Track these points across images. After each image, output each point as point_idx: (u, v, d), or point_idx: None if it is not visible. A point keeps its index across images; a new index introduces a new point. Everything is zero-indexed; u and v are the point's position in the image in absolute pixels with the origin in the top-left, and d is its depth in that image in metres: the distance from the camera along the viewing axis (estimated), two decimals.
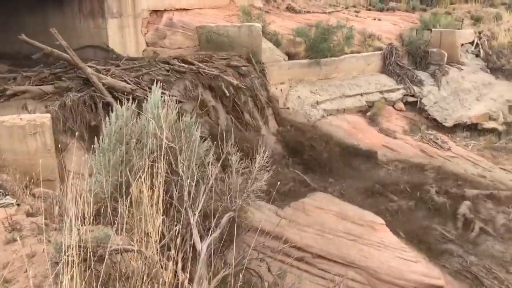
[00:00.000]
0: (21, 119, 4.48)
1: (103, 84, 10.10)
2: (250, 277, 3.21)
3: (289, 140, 13.09)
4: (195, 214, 2.66)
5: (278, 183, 10.04)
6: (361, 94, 16.75)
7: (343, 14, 20.43)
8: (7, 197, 3.61)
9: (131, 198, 2.49)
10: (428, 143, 15.34)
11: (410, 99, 17.30)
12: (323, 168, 11.96)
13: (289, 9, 19.43)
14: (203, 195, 2.75)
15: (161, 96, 3.25)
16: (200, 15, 16.17)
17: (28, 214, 3.63)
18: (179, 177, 2.87)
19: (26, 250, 2.94)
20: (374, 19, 20.65)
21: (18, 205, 3.62)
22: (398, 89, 17.37)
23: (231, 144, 3.22)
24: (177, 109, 3.22)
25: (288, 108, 14.87)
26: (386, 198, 10.80)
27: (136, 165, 2.70)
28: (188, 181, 2.75)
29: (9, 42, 14.76)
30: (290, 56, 16.00)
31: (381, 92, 17.04)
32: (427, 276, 7.12)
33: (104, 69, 11.32)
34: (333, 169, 12.06)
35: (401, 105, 17.11)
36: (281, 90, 15.35)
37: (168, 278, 2.26)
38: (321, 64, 16.24)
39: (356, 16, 20.67)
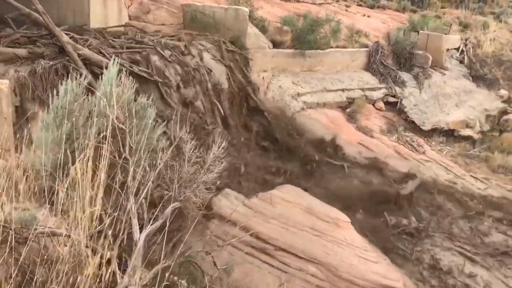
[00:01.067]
0: None
1: (79, 55, 9.77)
2: (193, 270, 3.06)
3: (266, 129, 12.96)
4: (137, 201, 2.49)
5: (242, 169, 10.05)
6: (343, 90, 16.68)
7: (333, 7, 20.27)
8: None
9: (71, 178, 2.32)
10: (403, 145, 15.41)
11: (391, 99, 17.30)
12: (296, 160, 11.86)
13: None
14: (148, 182, 2.58)
15: (118, 74, 3.05)
16: None
17: None
18: (126, 161, 2.70)
19: None
20: (364, 15, 20.54)
21: None
22: (380, 88, 17.35)
23: (186, 130, 3.05)
24: (134, 88, 3.02)
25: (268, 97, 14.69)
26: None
27: (82, 144, 2.52)
28: (133, 167, 2.58)
29: None
30: (276, 45, 15.78)
31: (362, 89, 16.99)
32: (386, 277, 7.12)
33: (82, 39, 10.97)
34: (306, 163, 11.99)
35: (381, 104, 17.11)
36: (263, 78, 15.13)
37: (95, 265, 2.11)
38: (306, 56, 16.07)
39: (346, 10, 20.52)
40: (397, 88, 17.35)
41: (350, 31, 18.32)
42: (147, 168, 2.70)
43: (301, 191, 8.96)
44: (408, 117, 16.86)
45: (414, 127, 16.72)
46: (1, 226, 2.07)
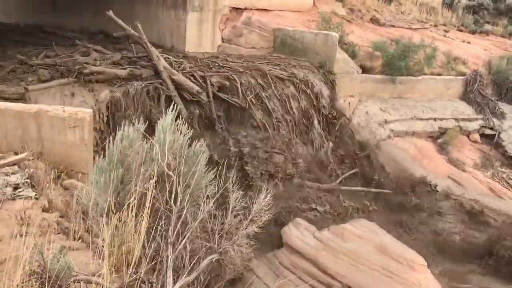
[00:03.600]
0: (64, 111, 4.66)
1: (173, 80, 10.32)
2: None
3: (348, 157, 12.72)
4: (174, 251, 2.59)
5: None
6: (435, 119, 15.92)
7: (430, 32, 19.45)
8: (28, 189, 3.77)
9: (115, 225, 2.47)
10: (499, 182, 14.31)
11: (488, 131, 16.18)
12: (379, 193, 11.49)
13: (373, 20, 18.80)
14: (187, 233, 2.68)
15: (176, 119, 3.20)
16: (279, 17, 16.09)
17: (44, 210, 3.75)
18: (171, 209, 2.82)
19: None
20: (463, 42, 19.47)
21: (36, 198, 3.76)
22: (476, 119, 16.31)
23: (232, 180, 3.11)
24: (189, 134, 3.16)
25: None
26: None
27: (131, 190, 2.69)
28: (174, 217, 2.69)
29: (96, 23, 15.59)
30: (365, 70, 15.51)
31: (456, 119, 16.09)
32: None
33: (177, 62, 11.55)
34: (389, 197, 11.55)
35: (476, 136, 16.06)
36: (349, 103, 14.95)
37: None
38: (396, 82, 15.61)
39: (444, 36, 19.59)
40: (495, 120, 16.19)
41: (446, 58, 17.46)
42: (189, 218, 2.80)
43: (376, 226, 8.66)
44: (507, 151, 15.63)
45: None
46: (40, 274, 2.27)
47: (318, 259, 7.47)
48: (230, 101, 10.99)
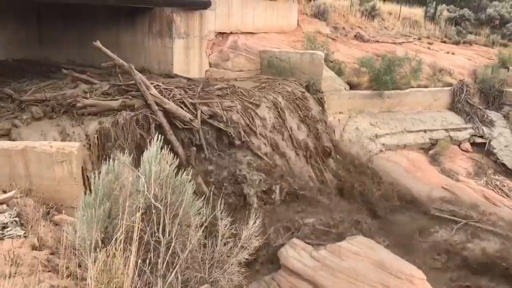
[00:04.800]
0: (51, 146, 4.65)
1: (165, 109, 10.30)
2: None
3: (340, 174, 12.73)
4: (165, 284, 2.56)
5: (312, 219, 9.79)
6: (425, 131, 16.05)
7: (415, 46, 19.74)
8: (17, 228, 3.73)
9: (103, 261, 2.45)
10: (493, 189, 14.35)
11: (478, 140, 16.32)
12: (371, 208, 11.47)
13: (358, 37, 19.06)
14: (176, 265, 2.66)
15: (160, 150, 3.21)
16: (265, 39, 16.28)
17: (34, 248, 3.71)
18: (159, 241, 2.79)
19: None
20: (448, 53, 19.77)
21: (25, 236, 3.72)
22: (466, 128, 16.46)
23: (220, 207, 3.09)
24: (175, 163, 3.15)
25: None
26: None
27: (119, 223, 2.67)
28: (164, 248, 2.67)
29: (81, 55, 15.67)
30: (352, 86, 15.68)
31: (446, 130, 16.23)
32: None
33: (167, 90, 11.45)
34: (384, 212, 11.53)
35: (467, 145, 16.18)
36: (338, 120, 15.04)
37: None
38: (384, 96, 15.77)
39: (429, 48, 19.89)
40: (484, 128, 16.34)
41: (432, 70, 17.70)
42: (177, 250, 2.77)
43: (373, 242, 8.63)
44: (498, 159, 15.75)
45: (505, 170, 15.54)
46: None
47: (317, 279, 7.41)
48: (221, 127, 10.99)
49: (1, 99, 10.18)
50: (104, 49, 11.15)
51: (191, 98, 11.29)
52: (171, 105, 10.47)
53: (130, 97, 10.75)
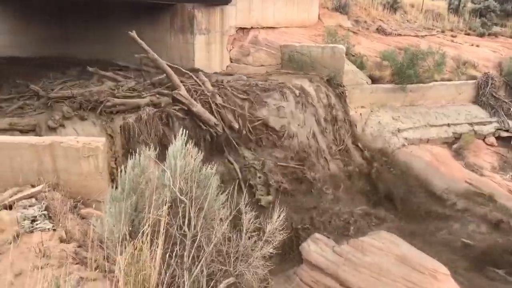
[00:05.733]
0: (77, 141, 4.75)
1: (192, 112, 10.32)
2: None
3: (363, 168, 12.67)
4: (190, 277, 2.61)
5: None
6: (448, 125, 15.81)
7: (438, 38, 19.42)
8: (46, 221, 3.83)
9: (130, 253, 2.51)
10: None
11: (504, 134, 16.01)
12: (395, 203, 11.38)
13: (379, 30, 18.84)
14: (202, 258, 2.70)
15: (186, 143, 3.26)
16: (285, 34, 16.23)
17: (62, 240, 3.81)
18: (185, 234, 2.84)
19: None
20: (472, 45, 19.39)
21: (54, 230, 3.82)
22: (491, 122, 16.15)
23: (244, 200, 3.12)
24: (199, 157, 3.20)
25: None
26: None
27: (145, 217, 2.73)
28: (188, 242, 2.72)
29: (105, 52, 15.87)
30: (374, 80, 15.52)
31: (470, 124, 15.95)
32: None
33: (196, 92, 11.25)
34: (407, 207, 11.42)
35: (492, 139, 15.88)
36: (360, 114, 14.94)
37: None
38: (406, 90, 15.58)
39: (452, 41, 19.53)
40: (510, 122, 16.02)
41: (456, 63, 17.39)
42: (203, 243, 2.82)
43: (396, 237, 8.56)
44: None
45: None
46: None
47: (339, 274, 7.41)
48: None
49: (29, 96, 10.41)
50: (138, 40, 11.26)
51: (214, 100, 11.09)
52: (198, 108, 10.41)
53: (158, 95, 10.77)
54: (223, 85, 11.92)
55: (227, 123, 10.83)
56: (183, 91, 10.61)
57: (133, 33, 11.10)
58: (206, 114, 10.47)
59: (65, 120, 8.92)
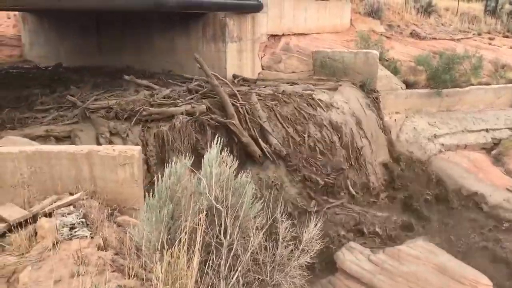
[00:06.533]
0: (114, 150, 4.81)
1: (242, 142, 10.38)
2: None
3: (398, 176, 12.42)
4: (227, 286, 2.58)
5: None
6: (487, 130, 15.34)
7: (474, 42, 18.94)
8: (84, 229, 3.88)
9: (167, 262, 2.50)
10: None
11: None
12: (432, 211, 11.08)
13: (413, 35, 18.52)
14: (238, 267, 2.66)
15: (221, 151, 3.24)
16: (317, 40, 16.15)
17: (99, 248, 3.84)
18: (221, 243, 2.81)
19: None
20: (511, 48, 18.81)
21: (92, 237, 3.86)
22: None
23: (280, 208, 3.07)
24: (234, 165, 3.17)
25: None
26: None
27: (182, 225, 2.72)
28: (224, 251, 2.69)
29: (139, 61, 16.17)
30: (409, 85, 15.23)
31: (510, 129, 15.43)
32: None
33: (241, 105, 11.13)
34: (442, 215, 11.11)
35: None
36: (395, 120, 14.66)
37: None
38: (442, 95, 15.21)
39: (489, 44, 19.01)
40: None
41: (494, 66, 16.89)
42: (239, 251, 2.78)
43: (434, 246, 8.32)
44: None
45: None
46: None
47: (375, 283, 7.24)
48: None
49: (66, 107, 10.57)
50: (203, 63, 11.25)
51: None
52: (247, 140, 10.44)
53: (193, 104, 10.70)
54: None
55: (273, 146, 10.74)
56: (235, 120, 10.50)
57: (197, 56, 11.19)
58: (253, 147, 10.39)
59: (112, 136, 8.93)
